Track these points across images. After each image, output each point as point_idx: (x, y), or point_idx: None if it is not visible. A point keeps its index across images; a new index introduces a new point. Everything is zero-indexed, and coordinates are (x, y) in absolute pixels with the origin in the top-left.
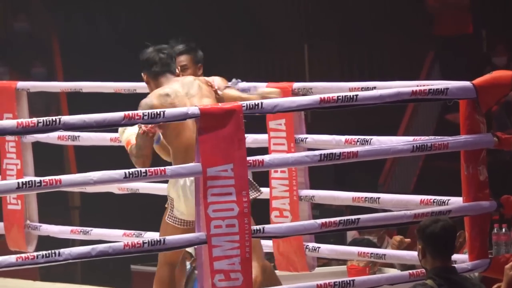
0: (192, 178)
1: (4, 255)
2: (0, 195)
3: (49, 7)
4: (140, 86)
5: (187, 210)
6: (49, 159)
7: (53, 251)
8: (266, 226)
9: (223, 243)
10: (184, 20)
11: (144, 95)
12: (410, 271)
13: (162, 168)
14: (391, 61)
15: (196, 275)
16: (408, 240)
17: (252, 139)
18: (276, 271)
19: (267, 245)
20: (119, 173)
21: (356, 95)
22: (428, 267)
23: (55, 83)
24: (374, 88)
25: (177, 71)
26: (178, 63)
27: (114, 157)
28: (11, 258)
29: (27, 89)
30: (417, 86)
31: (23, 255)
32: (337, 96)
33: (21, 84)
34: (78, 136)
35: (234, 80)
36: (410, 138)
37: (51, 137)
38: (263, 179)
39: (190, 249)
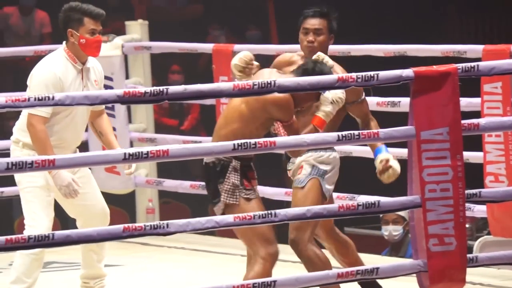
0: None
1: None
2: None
3: None
4: (354, 49)
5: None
6: None
7: (269, 211)
8: (483, 190)
9: (437, 207)
10: None
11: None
12: None
13: (375, 130)
14: None
15: (410, 238)
16: None
17: (466, 102)
18: (490, 237)
19: (481, 210)
20: (332, 135)
21: None
22: None
23: (272, 45)
24: None
25: None
26: (312, 25)
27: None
28: (229, 218)
29: None
30: None
31: (240, 215)
32: None
33: (238, 47)
34: None
35: None
36: None
37: None
38: (475, 143)
39: (402, 213)
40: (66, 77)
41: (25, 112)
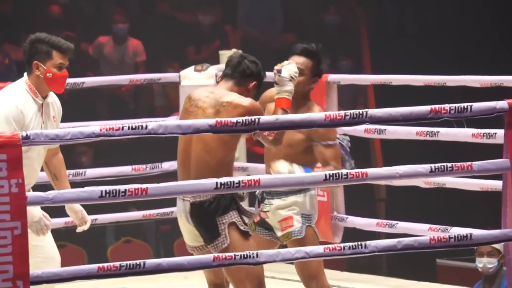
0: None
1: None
2: (309, 186)
3: (360, 0)
4: (449, 80)
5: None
6: (355, 152)
7: (359, 242)
8: None
9: None
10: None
11: (456, 88)
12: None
13: (469, 163)
14: None
15: (505, 271)
16: None
17: None
18: None
19: None
20: (425, 167)
21: None
22: None
23: (365, 76)
24: None
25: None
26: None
27: (420, 150)
28: (319, 249)
29: (337, 82)
30: None
31: (330, 245)
32: None
33: (331, 76)
34: (385, 130)
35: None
36: None
37: (358, 130)
38: None
39: (498, 245)
40: (27, 111)
41: None
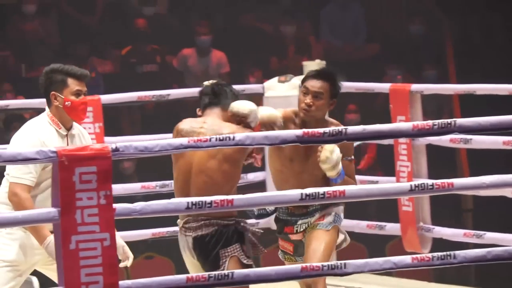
0: None
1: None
2: (394, 197)
3: (445, 10)
4: None
5: None
6: (441, 161)
7: (448, 253)
8: None
9: None
10: None
11: None
12: None
13: None
14: None
15: None
16: None
17: None
18: None
19: None
20: None
21: None
22: None
23: (450, 85)
24: None
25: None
26: (312, 86)
27: (507, 160)
28: (407, 259)
29: (421, 92)
30: None
31: (418, 256)
32: None
33: (415, 86)
34: (471, 139)
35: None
36: None
37: (443, 139)
38: None
39: None
40: (50, 143)
41: (5, 183)
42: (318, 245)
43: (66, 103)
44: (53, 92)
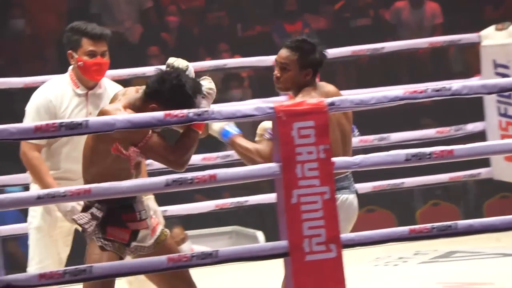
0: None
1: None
2: None
3: None
4: None
5: None
6: None
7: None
8: None
9: None
10: None
11: None
12: None
13: None
14: None
15: None
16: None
17: None
18: None
19: None
20: None
21: None
22: None
23: None
24: None
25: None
26: (278, 58)
27: None
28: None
29: None
30: None
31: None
32: None
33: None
34: None
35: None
36: None
37: None
38: None
39: None
40: (60, 101)
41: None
42: None
43: (79, 63)
44: (69, 51)
